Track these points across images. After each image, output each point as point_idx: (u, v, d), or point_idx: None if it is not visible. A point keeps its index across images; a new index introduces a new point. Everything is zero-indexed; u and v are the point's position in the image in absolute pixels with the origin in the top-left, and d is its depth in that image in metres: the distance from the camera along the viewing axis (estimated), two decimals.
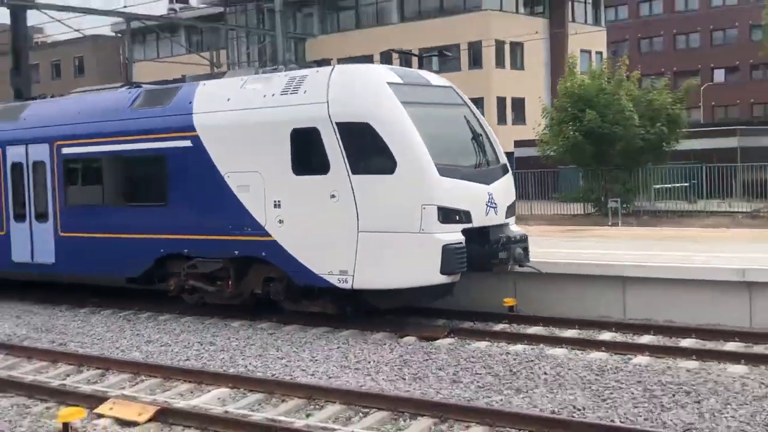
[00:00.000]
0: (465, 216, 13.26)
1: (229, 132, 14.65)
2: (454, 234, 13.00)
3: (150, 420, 9.91)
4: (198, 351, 13.65)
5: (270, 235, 14.16)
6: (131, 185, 16.59)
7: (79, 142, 16.96)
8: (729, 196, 37.54)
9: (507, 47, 49.08)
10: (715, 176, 37.96)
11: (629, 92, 36.64)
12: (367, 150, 13.34)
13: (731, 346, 12.58)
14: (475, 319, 14.78)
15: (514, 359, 12.16)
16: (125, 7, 33.07)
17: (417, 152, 13.03)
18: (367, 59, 42.61)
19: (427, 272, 12.98)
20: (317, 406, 10.25)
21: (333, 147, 13.40)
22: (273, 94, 14.34)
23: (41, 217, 17.77)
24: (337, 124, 13.36)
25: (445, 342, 13.40)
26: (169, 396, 11.09)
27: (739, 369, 11.19)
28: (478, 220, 13.52)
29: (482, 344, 13.16)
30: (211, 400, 10.78)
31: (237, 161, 14.55)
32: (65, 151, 17.21)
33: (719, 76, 73.03)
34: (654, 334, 13.40)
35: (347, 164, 13.30)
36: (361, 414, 9.89)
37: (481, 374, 11.43)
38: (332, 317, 14.84)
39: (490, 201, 13.84)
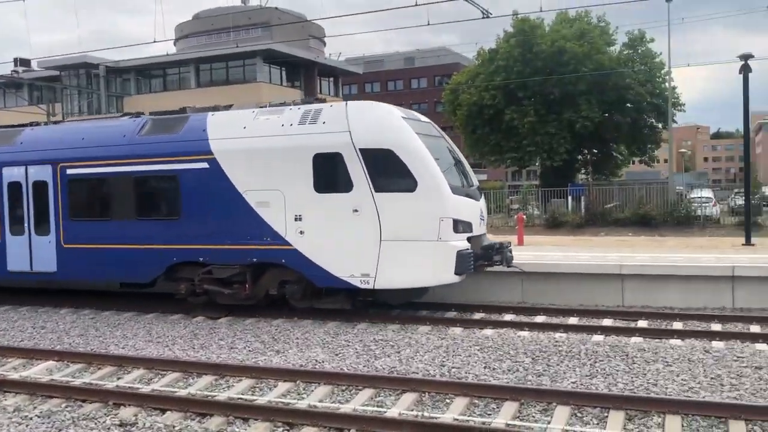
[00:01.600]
0: (468, 227, 12.15)
1: (247, 155, 12.55)
2: (463, 241, 11.88)
3: None
4: (31, 333, 12.27)
5: (290, 244, 12.27)
6: (142, 202, 13.60)
7: (86, 164, 13.97)
8: None
9: None
10: None
11: None
12: (389, 172, 11.81)
13: (422, 313, 13.04)
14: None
15: (276, 329, 11.93)
16: None
17: (434, 174, 11.74)
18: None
19: (444, 273, 11.74)
20: (126, 372, 9.51)
21: (356, 169, 11.83)
22: (291, 124, 12.44)
23: (42, 230, 14.46)
24: (361, 150, 11.83)
25: (225, 319, 12.92)
26: (5, 370, 9.87)
27: (426, 328, 11.64)
28: (475, 230, 12.42)
29: (252, 319, 12.79)
30: (40, 371, 9.69)
31: (256, 181, 12.51)
32: (71, 171, 14.10)
33: None
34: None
35: (370, 183, 11.78)
36: (160, 375, 9.29)
37: (251, 341, 11.11)
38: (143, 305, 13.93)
39: (480, 214, 12.88)
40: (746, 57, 19.55)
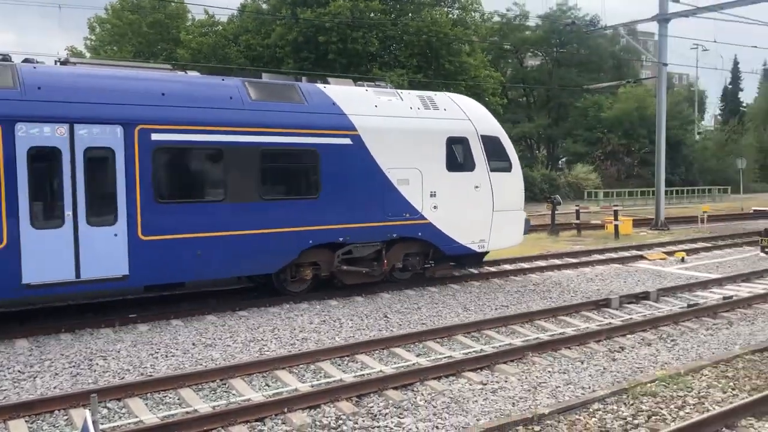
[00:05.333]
0: None
1: (387, 134, 12.92)
2: None
3: None
4: None
5: (426, 219, 13.42)
6: (271, 179, 11.73)
7: (179, 128, 10.72)
8: None
9: None
10: None
11: None
12: (497, 155, 14.26)
13: None
14: None
15: None
16: None
17: (517, 157, 14.94)
18: None
19: (520, 235, 14.94)
20: None
21: (478, 152, 14.01)
22: (418, 108, 13.63)
23: (99, 218, 10.09)
24: (481, 135, 14.08)
25: None
26: None
27: None
28: None
29: None
30: None
31: (397, 159, 13.03)
32: (158, 137, 10.52)
33: None
34: None
35: (487, 164, 14.08)
36: None
37: None
38: None
39: None
40: None
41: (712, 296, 13.28)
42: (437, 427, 6.80)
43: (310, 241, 12.32)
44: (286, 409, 7.13)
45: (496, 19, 52.84)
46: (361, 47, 35.75)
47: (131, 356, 9.13)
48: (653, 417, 6.97)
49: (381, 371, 8.54)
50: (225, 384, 8.07)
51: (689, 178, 55.24)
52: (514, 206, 14.69)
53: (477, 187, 14.01)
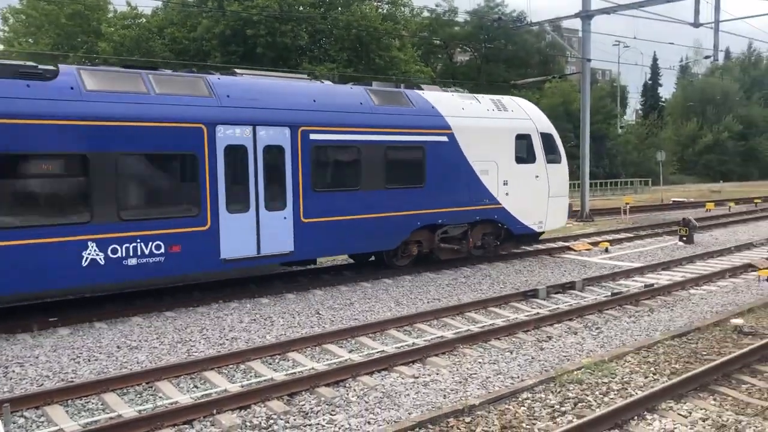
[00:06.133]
0: None
1: (472, 132, 15.28)
2: None
3: None
4: None
5: (500, 204, 15.86)
6: (392, 170, 14.12)
7: (331, 129, 13.11)
8: None
9: None
10: None
11: None
12: (550, 150, 16.94)
13: None
14: None
15: None
16: None
17: (564, 151, 17.39)
18: None
19: (564, 219, 17.67)
20: None
21: (538, 147, 16.63)
22: (492, 110, 16.05)
23: (274, 205, 12.41)
24: (540, 133, 16.71)
25: None
26: None
27: None
28: None
29: None
30: None
31: (479, 153, 15.41)
32: (314, 137, 12.86)
33: None
34: None
35: (544, 157, 16.73)
36: None
37: None
38: None
39: None
40: None
41: (634, 284, 13.76)
42: (369, 423, 6.79)
43: (418, 223, 14.73)
44: (215, 411, 6.98)
45: (426, 14, 53.20)
46: (290, 41, 35.33)
47: (51, 362, 8.75)
48: (579, 404, 7.16)
49: (313, 368, 8.47)
50: (151, 387, 7.84)
51: (613, 171, 57.11)
52: (562, 193, 17.45)
53: (537, 176, 16.67)
